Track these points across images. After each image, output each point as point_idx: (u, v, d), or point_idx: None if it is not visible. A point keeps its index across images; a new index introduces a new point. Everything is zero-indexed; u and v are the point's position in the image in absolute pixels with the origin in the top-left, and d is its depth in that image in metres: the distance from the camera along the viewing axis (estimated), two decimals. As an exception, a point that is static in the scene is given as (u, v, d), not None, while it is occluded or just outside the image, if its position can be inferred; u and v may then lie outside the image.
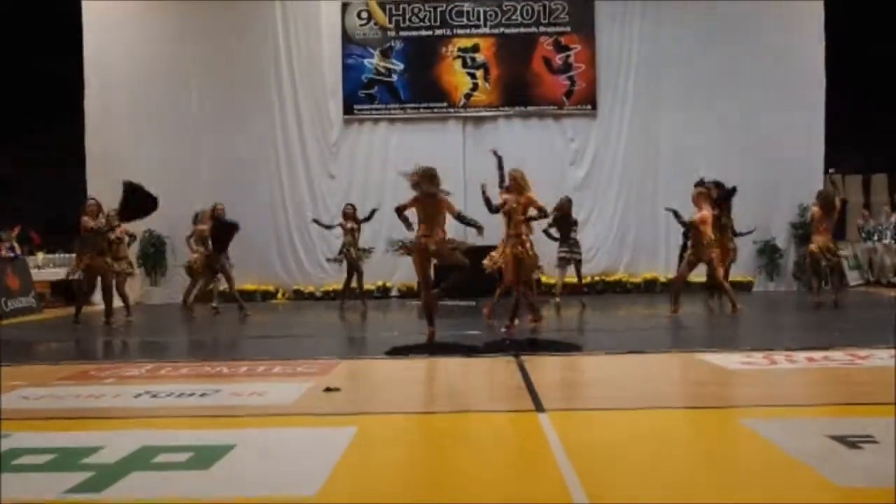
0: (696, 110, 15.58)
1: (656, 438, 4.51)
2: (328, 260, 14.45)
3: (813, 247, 11.74)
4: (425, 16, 16.03)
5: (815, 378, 6.38)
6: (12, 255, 14.81)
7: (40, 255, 16.06)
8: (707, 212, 10.82)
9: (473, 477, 3.84)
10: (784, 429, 4.49)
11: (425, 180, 8.46)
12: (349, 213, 13.45)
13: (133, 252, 14.89)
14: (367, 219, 13.43)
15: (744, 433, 4.51)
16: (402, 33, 16.02)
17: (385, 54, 16.03)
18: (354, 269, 13.38)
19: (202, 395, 5.84)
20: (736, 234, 12.52)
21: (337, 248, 13.79)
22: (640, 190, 15.77)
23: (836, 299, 12.17)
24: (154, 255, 15.76)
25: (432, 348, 8.13)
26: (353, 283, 13.51)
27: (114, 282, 11.97)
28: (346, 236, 13.34)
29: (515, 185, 9.59)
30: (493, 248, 9.88)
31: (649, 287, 15.57)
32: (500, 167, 10.26)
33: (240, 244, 13.48)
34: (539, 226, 11.06)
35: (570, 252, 12.64)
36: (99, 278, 11.68)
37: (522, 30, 16.00)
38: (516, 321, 9.50)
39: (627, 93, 15.94)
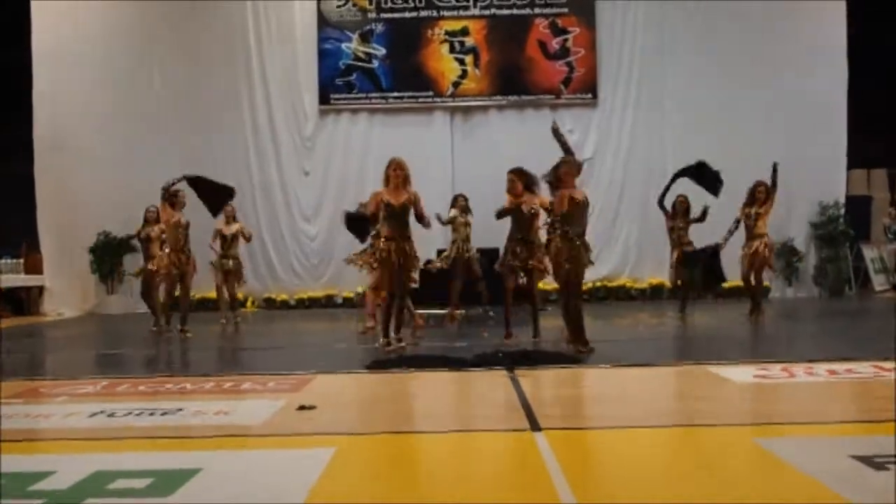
0: (706, 99, 15.67)
1: (662, 459, 4.52)
2: (427, 263, 14.08)
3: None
4: (409, -5, 16.09)
5: (837, 392, 6.41)
6: None
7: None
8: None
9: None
10: (802, 448, 4.51)
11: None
12: (463, 206, 12.26)
13: (86, 257, 14.91)
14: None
15: (758, 453, 4.52)
16: (384, 15, 16.06)
17: (365, 38, 16.05)
18: (467, 272, 12.10)
19: (163, 415, 5.82)
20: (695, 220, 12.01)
21: (303, 252, 13.73)
22: (645, 186, 15.79)
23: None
24: (111, 260, 15.66)
25: (418, 361, 8.13)
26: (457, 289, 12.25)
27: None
28: (457, 232, 12.12)
29: (514, 186, 9.54)
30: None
31: (656, 293, 15.64)
32: (565, 145, 10.02)
33: (207, 249, 13.43)
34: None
35: None
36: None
37: (515, 11, 16.06)
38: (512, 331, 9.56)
39: (631, 80, 16.02)
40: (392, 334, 9.12)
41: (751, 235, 11.33)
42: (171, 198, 10.75)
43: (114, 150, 15.43)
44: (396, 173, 9.08)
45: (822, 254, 16.06)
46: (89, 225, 15.37)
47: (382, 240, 9.00)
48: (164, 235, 11.61)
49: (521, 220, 9.48)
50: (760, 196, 11.33)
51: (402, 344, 9.09)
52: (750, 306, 11.43)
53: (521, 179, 9.46)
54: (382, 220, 9.00)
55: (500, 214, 9.56)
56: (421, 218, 9.10)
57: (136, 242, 13.23)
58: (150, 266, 11.83)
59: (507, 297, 9.69)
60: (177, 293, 11.43)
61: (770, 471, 4.19)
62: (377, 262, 9.13)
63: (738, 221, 11.47)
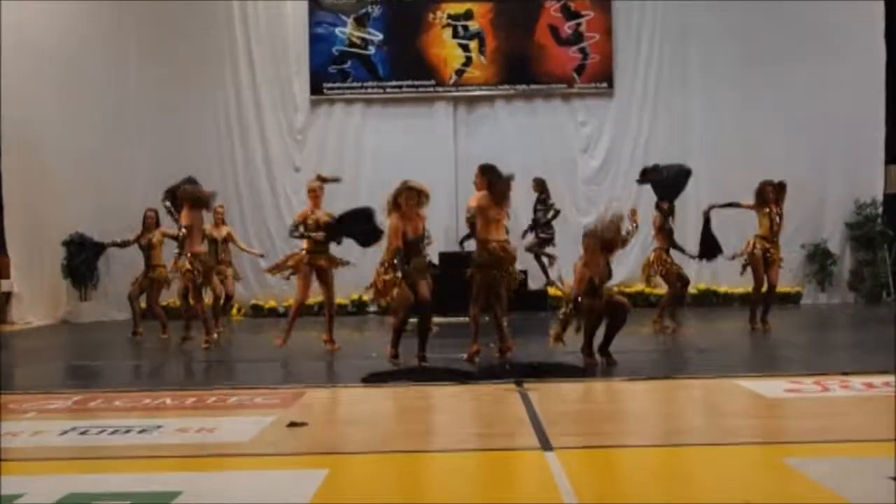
0: (731, 89, 15.67)
1: (684, 481, 4.52)
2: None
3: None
4: (408, -24, 16.11)
5: (874, 408, 6.39)
6: None
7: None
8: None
9: (467, 529, 3.84)
10: (837, 469, 4.50)
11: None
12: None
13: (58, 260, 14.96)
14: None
15: (788, 474, 4.52)
16: (382, -3, 16.08)
17: (360, 22, 16.07)
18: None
19: (141, 432, 5.82)
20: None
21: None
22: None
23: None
24: (84, 264, 15.61)
25: (418, 374, 8.12)
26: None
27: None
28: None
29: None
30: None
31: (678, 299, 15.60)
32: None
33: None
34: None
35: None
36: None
37: (524, -8, 16.07)
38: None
39: (650, 67, 16.03)
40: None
41: (772, 236, 11.33)
42: (196, 201, 10.67)
43: (86, 145, 15.40)
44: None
45: (857, 256, 16.04)
46: (62, 226, 15.36)
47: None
48: (165, 240, 11.97)
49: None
50: (772, 196, 11.32)
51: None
52: (761, 313, 11.34)
53: (486, 177, 9.16)
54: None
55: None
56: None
57: (113, 249, 13.29)
58: (157, 272, 12.11)
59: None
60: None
61: (802, 494, 4.19)
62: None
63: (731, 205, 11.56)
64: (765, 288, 11.38)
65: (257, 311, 15.80)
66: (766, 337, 11.04)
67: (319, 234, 10.08)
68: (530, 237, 14.70)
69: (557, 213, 14.72)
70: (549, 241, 14.70)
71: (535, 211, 14.70)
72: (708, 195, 12.93)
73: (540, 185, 14.66)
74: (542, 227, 14.64)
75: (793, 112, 15.48)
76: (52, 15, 15.64)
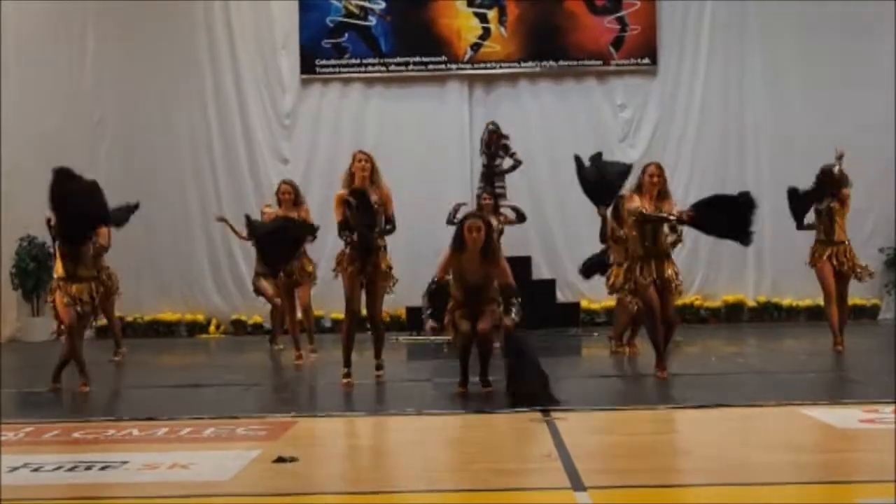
0: (800, 66, 15.61)
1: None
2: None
3: None
4: (415, -67, 16.14)
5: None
6: None
7: None
8: None
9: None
10: (918, 512, 4.51)
11: None
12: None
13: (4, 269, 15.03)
14: None
15: (863, 519, 4.54)
16: (384, -42, 16.13)
17: (359, -12, 16.13)
18: None
19: (103, 469, 5.86)
20: None
21: None
22: (718, 178, 15.70)
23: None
24: (35, 272, 15.62)
25: (427, 401, 8.17)
26: None
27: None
28: None
29: None
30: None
31: (732, 315, 15.60)
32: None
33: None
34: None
35: None
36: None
37: (552, -48, 16.08)
38: None
39: (701, 41, 15.98)
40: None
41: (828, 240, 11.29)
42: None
43: (39, 131, 15.45)
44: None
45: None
46: (9, 227, 15.38)
47: None
48: None
49: None
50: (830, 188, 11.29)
51: None
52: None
53: None
54: None
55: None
56: None
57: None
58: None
59: None
60: None
61: (878, 541, 4.20)
62: None
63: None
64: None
65: (239, 328, 15.83)
66: (838, 359, 11.03)
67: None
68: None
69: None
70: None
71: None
72: (772, 191, 12.86)
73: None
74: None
75: (872, 94, 15.40)
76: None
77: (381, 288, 9.58)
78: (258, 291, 12.91)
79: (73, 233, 9.78)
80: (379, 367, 9.72)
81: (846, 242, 11.32)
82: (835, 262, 11.16)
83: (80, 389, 9.68)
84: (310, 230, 11.02)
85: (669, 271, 9.45)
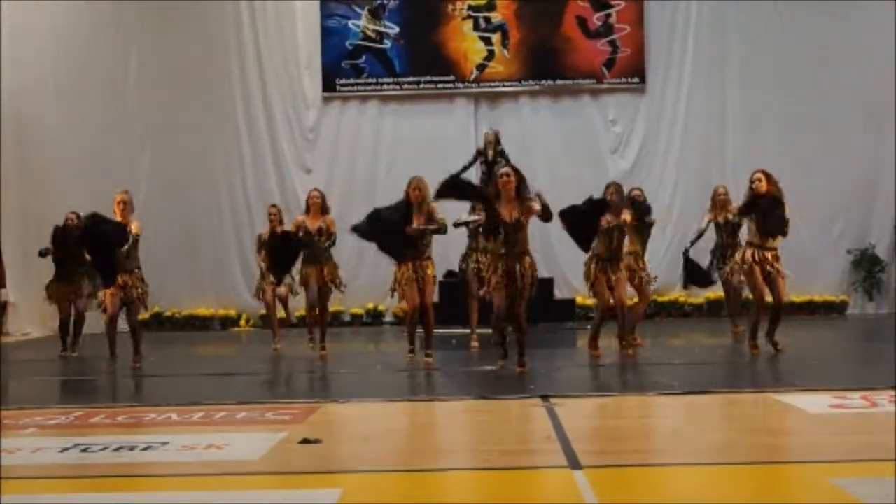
0: (775, 85, 15.56)
1: (722, 502, 4.52)
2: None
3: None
4: (426, -36, 16.12)
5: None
6: None
7: None
8: None
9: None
10: (885, 489, 4.47)
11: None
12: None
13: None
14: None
15: (834, 495, 4.51)
16: (398, -13, 16.12)
17: (375, 14, 16.12)
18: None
19: (145, 449, 5.87)
20: None
21: None
22: (702, 186, 15.65)
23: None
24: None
25: (436, 388, 8.17)
26: None
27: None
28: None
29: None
30: None
31: (714, 310, 15.55)
32: None
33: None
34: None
35: None
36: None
37: (550, -18, 16.07)
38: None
39: (685, 61, 15.94)
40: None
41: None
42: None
43: (85, 145, 15.50)
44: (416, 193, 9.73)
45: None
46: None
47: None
48: None
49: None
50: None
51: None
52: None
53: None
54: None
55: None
56: None
57: None
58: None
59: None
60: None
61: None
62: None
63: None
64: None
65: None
66: (810, 349, 11.00)
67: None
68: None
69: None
70: None
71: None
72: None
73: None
74: None
75: (840, 107, 15.36)
76: (50, 17, 15.75)
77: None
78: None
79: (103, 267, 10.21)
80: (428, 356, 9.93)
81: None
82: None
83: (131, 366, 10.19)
84: (308, 244, 11.16)
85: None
